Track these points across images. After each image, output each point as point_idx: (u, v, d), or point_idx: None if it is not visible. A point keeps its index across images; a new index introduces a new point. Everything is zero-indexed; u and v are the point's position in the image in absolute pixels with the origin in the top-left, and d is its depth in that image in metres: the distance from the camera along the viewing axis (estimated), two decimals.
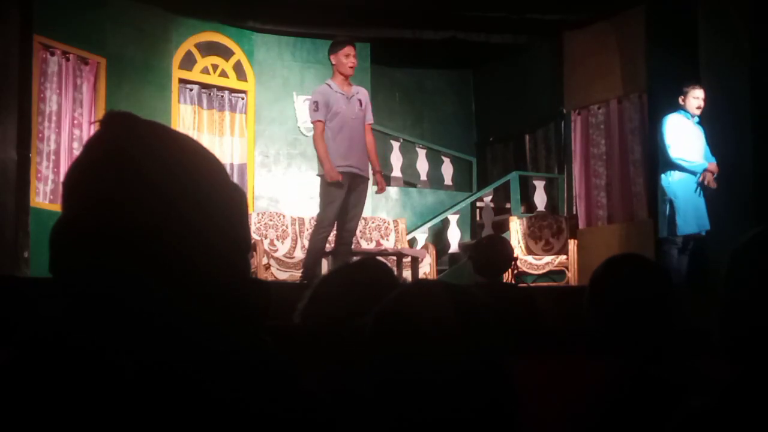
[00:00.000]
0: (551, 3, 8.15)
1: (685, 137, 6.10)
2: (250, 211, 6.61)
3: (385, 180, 9.45)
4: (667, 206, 6.14)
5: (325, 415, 0.94)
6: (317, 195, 5.95)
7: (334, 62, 5.88)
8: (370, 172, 6.01)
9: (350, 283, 1.75)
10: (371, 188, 6.15)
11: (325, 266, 6.27)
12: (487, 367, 1.13)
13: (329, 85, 5.86)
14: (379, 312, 1.18)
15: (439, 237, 9.13)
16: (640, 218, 7.83)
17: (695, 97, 6.13)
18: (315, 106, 5.77)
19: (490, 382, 1.13)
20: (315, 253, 5.89)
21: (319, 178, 5.85)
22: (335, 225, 5.90)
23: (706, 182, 6.01)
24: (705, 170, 6.03)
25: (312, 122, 5.83)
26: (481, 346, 1.14)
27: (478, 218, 9.55)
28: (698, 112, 6.16)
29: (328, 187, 5.70)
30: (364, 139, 5.89)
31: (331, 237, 6.01)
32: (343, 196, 5.73)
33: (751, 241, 1.18)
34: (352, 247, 7.81)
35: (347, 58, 5.80)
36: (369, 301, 1.24)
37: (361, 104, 5.89)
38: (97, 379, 0.85)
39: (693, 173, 6.06)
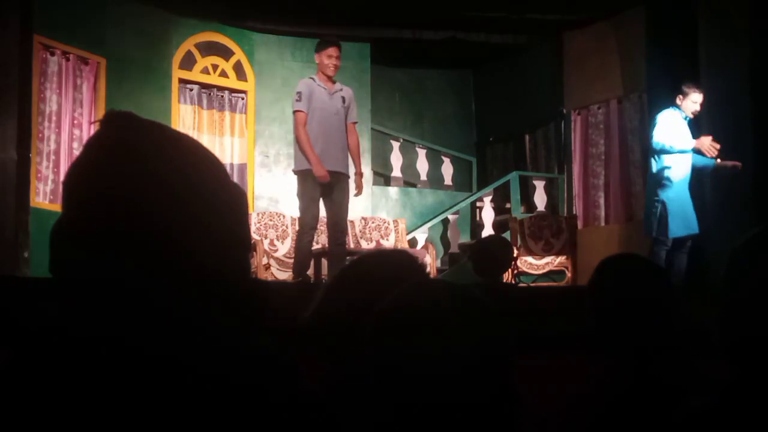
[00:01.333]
0: (551, 3, 8.15)
1: (677, 134, 6.04)
2: (250, 211, 6.60)
3: (388, 180, 9.57)
4: (659, 207, 6.11)
5: (325, 415, 0.94)
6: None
7: (317, 61, 5.87)
8: (353, 170, 5.97)
9: (369, 275, 1.64)
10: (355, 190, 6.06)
11: (325, 267, 6.27)
12: (486, 364, 1.14)
13: (313, 79, 5.86)
14: (380, 311, 1.18)
15: (439, 237, 9.13)
16: (639, 218, 7.82)
17: (694, 101, 6.07)
18: (298, 97, 5.77)
19: (490, 380, 1.13)
20: (302, 255, 5.82)
21: (295, 176, 5.81)
22: (326, 226, 5.91)
23: (705, 151, 5.90)
24: (695, 148, 5.97)
25: (293, 112, 5.81)
26: (481, 343, 1.15)
27: (478, 218, 9.55)
28: (692, 115, 6.11)
29: (304, 185, 5.66)
30: (343, 136, 5.84)
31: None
32: (320, 194, 5.69)
33: (751, 241, 1.18)
34: (353, 246, 7.84)
35: (330, 59, 5.79)
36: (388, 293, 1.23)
37: (344, 101, 5.86)
38: (97, 379, 0.85)
39: (682, 153, 5.98)
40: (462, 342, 1.13)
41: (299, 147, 5.71)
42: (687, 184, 6.05)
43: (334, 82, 5.88)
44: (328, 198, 5.74)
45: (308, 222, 5.71)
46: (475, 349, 1.13)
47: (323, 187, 5.67)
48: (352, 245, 7.94)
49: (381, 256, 1.81)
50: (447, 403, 1.11)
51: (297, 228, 5.92)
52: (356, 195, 5.91)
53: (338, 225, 5.78)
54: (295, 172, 5.78)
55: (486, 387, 1.12)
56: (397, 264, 1.66)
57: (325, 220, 5.90)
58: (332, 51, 5.82)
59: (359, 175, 5.91)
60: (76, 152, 6.78)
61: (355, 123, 5.97)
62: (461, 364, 1.12)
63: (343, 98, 5.87)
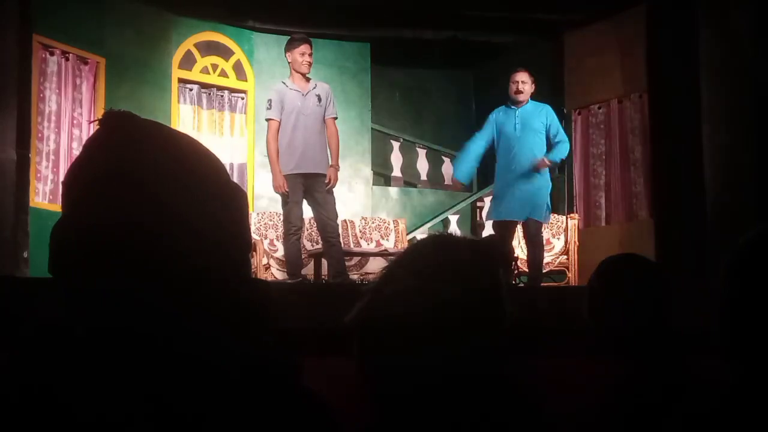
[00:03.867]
0: (552, 3, 8.14)
1: (498, 127, 6.22)
2: (250, 211, 6.60)
3: (388, 180, 9.56)
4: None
5: (324, 415, 0.93)
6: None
7: (289, 60, 5.80)
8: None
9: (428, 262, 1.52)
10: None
11: (325, 267, 6.26)
12: (468, 372, 1.13)
13: (284, 83, 5.81)
14: (358, 315, 1.18)
15: None
16: (640, 218, 7.83)
17: (513, 82, 6.16)
18: (269, 104, 5.74)
19: (478, 384, 1.13)
20: (292, 256, 5.82)
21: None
22: (316, 228, 5.91)
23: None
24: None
25: (265, 120, 5.79)
26: (464, 347, 1.14)
27: (478, 218, 9.55)
28: (518, 97, 6.14)
29: (278, 193, 5.70)
30: (322, 136, 5.80)
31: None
32: (300, 198, 5.69)
33: (752, 242, 1.17)
34: (353, 246, 7.83)
35: (303, 56, 5.74)
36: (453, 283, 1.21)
37: (319, 100, 5.80)
38: (96, 380, 0.85)
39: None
40: (443, 347, 1.12)
41: (267, 156, 5.74)
42: (510, 172, 6.15)
43: (308, 81, 5.83)
44: (312, 200, 5.75)
45: (293, 223, 5.73)
46: (457, 355, 1.12)
47: (305, 188, 5.68)
48: (352, 245, 7.93)
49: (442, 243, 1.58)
50: (437, 407, 1.10)
51: (283, 231, 5.91)
52: (329, 187, 5.77)
53: (327, 225, 5.77)
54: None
55: (470, 396, 1.12)
56: (459, 250, 1.53)
57: (315, 221, 5.92)
58: (304, 48, 5.75)
59: (334, 168, 5.80)
60: (76, 152, 6.77)
61: (334, 118, 5.89)
62: (441, 373, 1.11)
63: (318, 96, 5.80)
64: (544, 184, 6.19)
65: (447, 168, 9.90)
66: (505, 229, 6.19)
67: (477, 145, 6.32)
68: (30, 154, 6.15)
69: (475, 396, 1.12)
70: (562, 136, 6.23)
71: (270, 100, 5.76)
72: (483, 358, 1.15)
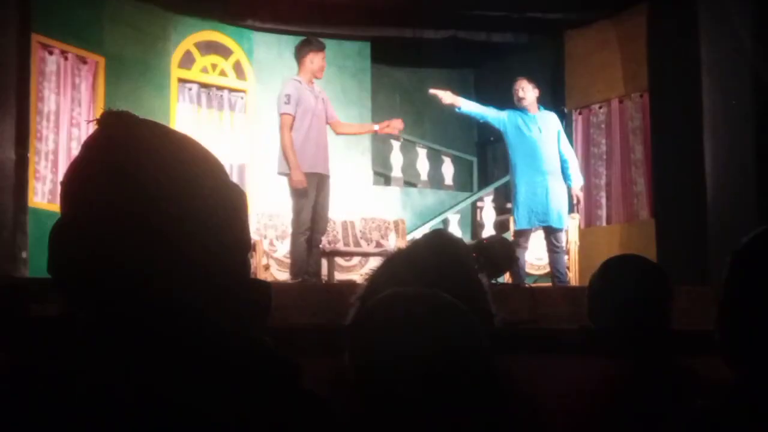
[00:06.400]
0: (552, 2, 8.15)
1: (515, 131, 6.22)
2: (249, 211, 6.58)
3: (388, 180, 9.57)
4: (513, 200, 6.35)
5: (324, 415, 0.93)
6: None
7: (308, 61, 5.77)
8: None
9: (419, 261, 1.54)
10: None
11: (325, 268, 6.26)
12: (468, 375, 1.13)
13: (299, 81, 5.77)
14: (353, 322, 1.18)
15: None
16: (641, 218, 7.83)
17: (514, 92, 6.26)
18: (287, 99, 5.65)
19: (472, 391, 1.13)
20: (298, 257, 5.79)
21: (285, 178, 5.76)
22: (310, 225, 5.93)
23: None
24: None
25: (281, 114, 5.68)
26: (460, 354, 1.14)
27: (478, 218, 9.55)
28: (522, 104, 6.22)
29: (297, 188, 5.64)
30: (327, 137, 5.85)
31: None
32: (313, 197, 5.67)
33: (753, 242, 1.17)
34: (352, 246, 7.83)
35: (323, 61, 5.80)
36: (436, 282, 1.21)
37: (323, 102, 5.86)
38: (95, 380, 0.84)
39: None
40: (439, 355, 1.12)
41: (283, 150, 5.65)
42: (539, 175, 6.18)
43: (313, 84, 5.84)
44: (314, 201, 5.74)
45: (304, 222, 5.70)
46: (453, 362, 1.12)
47: (314, 187, 5.66)
48: (352, 245, 7.93)
49: (433, 242, 1.68)
50: (429, 412, 1.10)
51: (291, 230, 5.88)
52: (395, 130, 6.21)
53: (321, 228, 5.79)
54: (285, 174, 5.71)
55: (464, 401, 1.12)
56: (451, 252, 1.56)
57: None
58: (324, 54, 5.81)
59: (378, 123, 6.20)
60: (75, 152, 6.75)
61: (338, 119, 6.03)
62: (437, 379, 1.11)
63: (323, 99, 5.86)
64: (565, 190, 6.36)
65: (447, 168, 9.90)
66: (529, 233, 6.34)
67: (489, 110, 6.38)
68: (29, 153, 6.16)
69: (465, 396, 1.12)
70: (569, 147, 6.40)
71: (288, 95, 5.66)
72: (471, 357, 1.15)
